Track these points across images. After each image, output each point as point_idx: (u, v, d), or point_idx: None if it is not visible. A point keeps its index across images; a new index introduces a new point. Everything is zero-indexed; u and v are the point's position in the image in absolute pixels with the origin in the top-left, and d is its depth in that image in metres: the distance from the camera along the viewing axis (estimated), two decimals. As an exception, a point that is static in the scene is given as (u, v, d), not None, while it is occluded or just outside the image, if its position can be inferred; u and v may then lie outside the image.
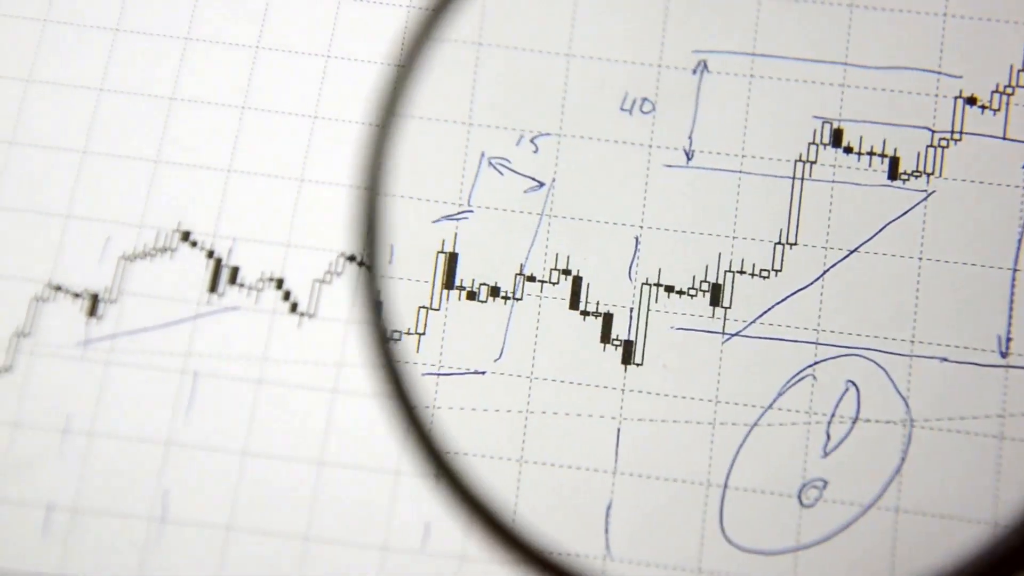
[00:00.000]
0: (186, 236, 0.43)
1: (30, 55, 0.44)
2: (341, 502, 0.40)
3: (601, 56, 0.39)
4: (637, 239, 0.38)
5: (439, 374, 0.39)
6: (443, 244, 0.40)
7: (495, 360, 0.39)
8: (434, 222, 0.40)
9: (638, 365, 0.38)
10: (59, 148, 0.43)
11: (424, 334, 0.40)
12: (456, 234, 0.40)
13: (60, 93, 0.44)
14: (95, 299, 0.42)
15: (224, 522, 0.40)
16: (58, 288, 0.42)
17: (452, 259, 0.40)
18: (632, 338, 0.38)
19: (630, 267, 0.38)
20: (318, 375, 0.41)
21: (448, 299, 0.40)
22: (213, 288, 0.42)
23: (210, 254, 0.43)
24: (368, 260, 0.28)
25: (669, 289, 0.38)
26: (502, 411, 0.39)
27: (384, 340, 0.26)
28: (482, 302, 0.39)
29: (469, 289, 0.40)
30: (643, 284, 0.38)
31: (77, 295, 0.42)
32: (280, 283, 0.42)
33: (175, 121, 0.43)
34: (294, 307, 0.42)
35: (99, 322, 0.42)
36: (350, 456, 0.40)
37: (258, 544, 0.40)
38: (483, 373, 0.39)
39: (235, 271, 0.42)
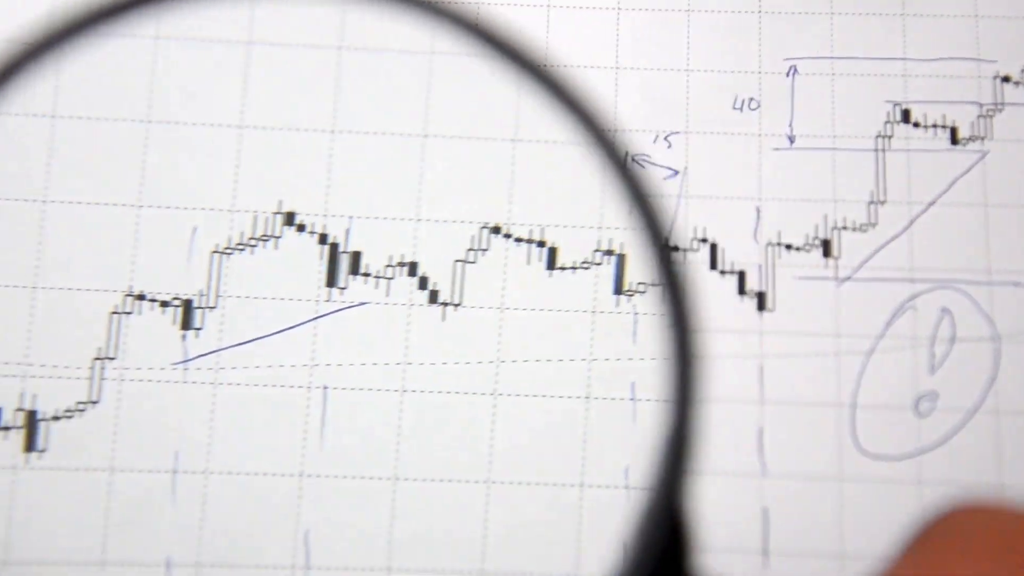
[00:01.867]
0: (290, 219, 0.38)
1: None
2: (522, 528, 0.37)
3: (714, 68, 0.45)
4: (758, 209, 0.44)
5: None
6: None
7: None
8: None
9: (771, 311, 0.42)
10: (121, 119, 0.36)
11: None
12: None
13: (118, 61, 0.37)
14: (188, 307, 0.36)
15: (383, 564, 0.36)
16: (141, 297, 0.36)
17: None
18: (764, 289, 0.43)
19: (755, 232, 0.43)
20: (474, 377, 0.38)
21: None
22: (331, 281, 0.38)
23: (322, 239, 0.38)
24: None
25: (788, 247, 0.43)
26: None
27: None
28: None
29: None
30: (767, 245, 0.43)
31: (165, 304, 0.36)
32: (413, 268, 0.38)
33: (258, 77, 0.38)
34: (434, 296, 0.39)
35: (197, 335, 0.36)
36: (522, 473, 0.38)
37: None
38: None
39: (356, 257, 0.38)
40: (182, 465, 0.35)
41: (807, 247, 0.43)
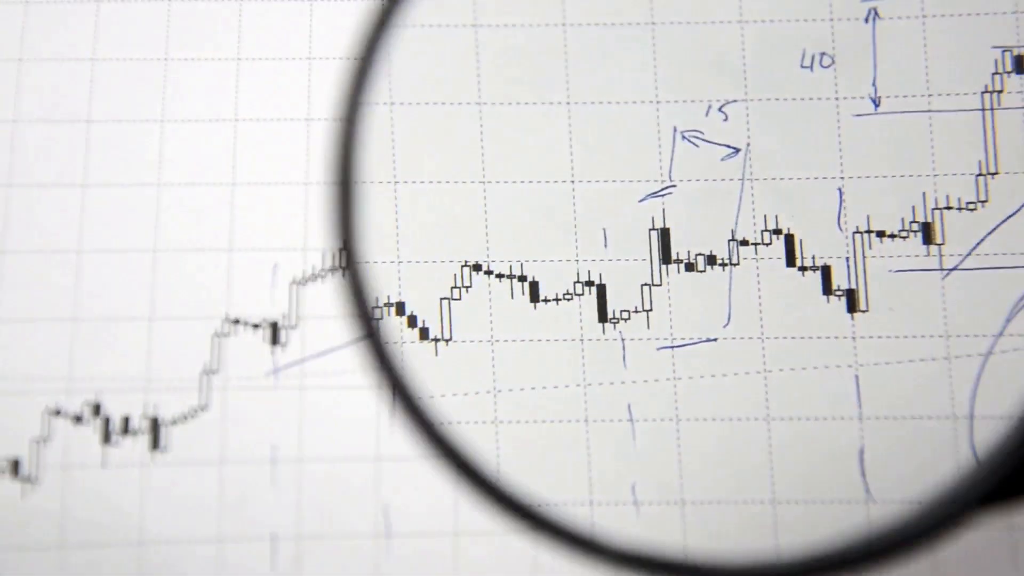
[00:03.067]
0: None
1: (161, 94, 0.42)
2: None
3: (773, 18, 0.40)
4: (840, 190, 0.38)
5: (673, 347, 0.38)
6: (653, 221, 0.39)
7: (724, 326, 0.38)
8: (640, 201, 0.39)
9: (863, 312, 0.38)
10: (211, 183, 0.42)
11: (651, 310, 0.38)
12: (664, 210, 0.39)
13: (196, 129, 0.42)
14: (275, 327, 0.41)
15: (451, 528, 0.40)
16: (236, 322, 0.41)
17: (665, 234, 0.39)
18: (853, 286, 0.38)
19: (838, 218, 0.38)
20: (474, 407, 0.39)
21: (668, 274, 0.38)
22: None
23: None
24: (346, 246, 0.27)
25: (881, 234, 0.38)
26: (740, 374, 0.38)
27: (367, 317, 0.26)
28: (701, 272, 0.38)
29: (686, 261, 0.38)
30: (854, 233, 0.38)
31: (256, 326, 0.41)
32: (401, 307, 0.40)
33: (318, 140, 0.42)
34: (424, 333, 0.40)
35: (284, 349, 0.41)
36: (537, 493, 0.37)
37: (487, 544, 0.39)
38: (715, 340, 0.38)
39: None
40: (279, 455, 0.40)
41: (904, 233, 0.39)
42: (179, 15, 0.42)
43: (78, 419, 0.39)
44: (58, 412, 0.39)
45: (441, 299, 0.40)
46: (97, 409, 0.40)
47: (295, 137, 0.42)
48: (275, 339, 0.41)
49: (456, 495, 0.39)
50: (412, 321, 0.40)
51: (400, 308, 0.40)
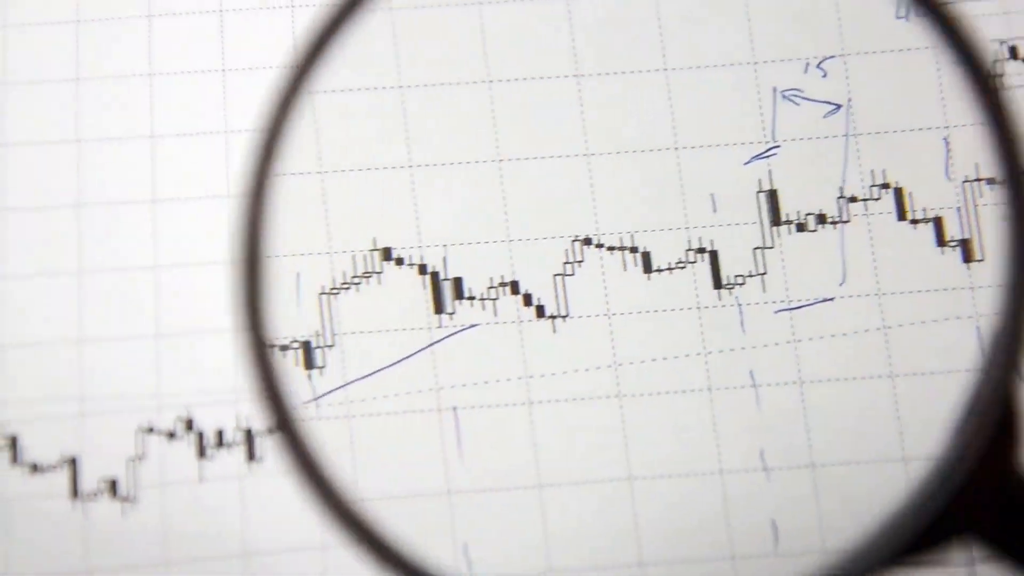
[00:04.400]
0: (387, 254, 0.39)
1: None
2: (670, 518, 0.37)
3: None
4: (945, 140, 0.38)
5: (791, 308, 0.38)
6: (760, 184, 0.38)
7: (839, 285, 0.37)
8: (745, 164, 0.38)
9: (979, 261, 0.37)
10: (213, 194, 0.39)
11: (765, 273, 0.38)
12: (770, 171, 0.38)
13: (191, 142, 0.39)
14: (307, 348, 0.38)
15: (542, 566, 0.37)
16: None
17: (773, 196, 0.38)
18: (967, 236, 0.37)
19: (946, 168, 0.38)
20: (596, 383, 0.38)
21: (779, 235, 0.38)
22: (439, 308, 0.38)
23: (422, 269, 0.38)
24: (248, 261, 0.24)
25: (991, 181, 0.38)
26: (860, 332, 0.37)
27: (261, 346, 0.23)
28: (812, 231, 0.38)
29: (797, 221, 0.38)
30: (963, 182, 0.38)
31: (285, 347, 0.38)
32: (515, 286, 0.38)
33: (331, 124, 0.39)
34: (540, 311, 0.38)
35: (321, 373, 0.38)
36: (661, 466, 0.37)
37: None
38: (831, 299, 0.37)
39: (458, 282, 0.39)
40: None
41: None
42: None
43: (171, 435, 0.37)
44: (151, 430, 0.37)
45: (554, 275, 0.39)
46: (190, 424, 0.38)
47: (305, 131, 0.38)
48: (309, 362, 0.38)
49: (543, 528, 0.37)
50: (527, 300, 0.38)
51: (515, 287, 0.38)
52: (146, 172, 0.39)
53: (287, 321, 0.38)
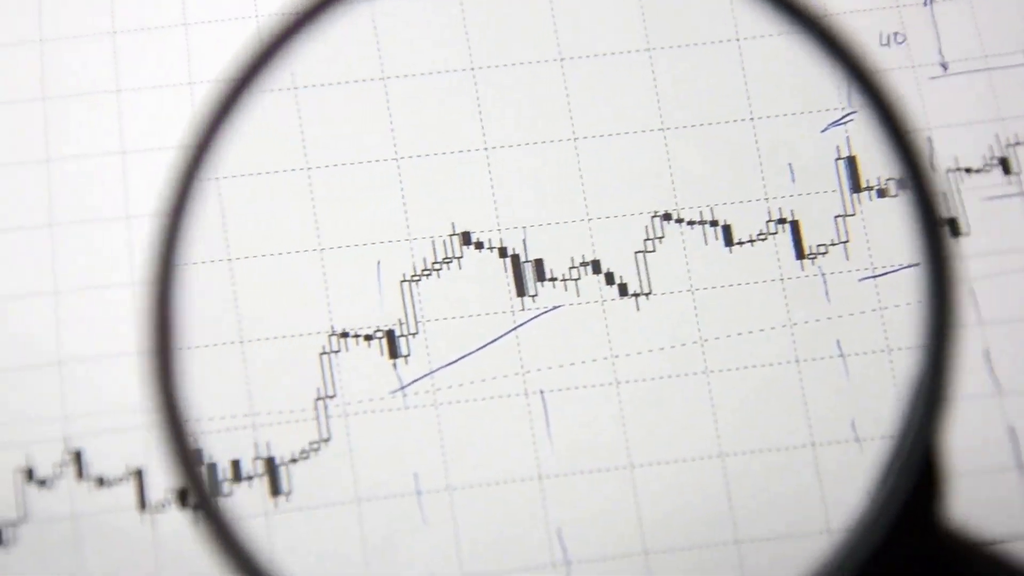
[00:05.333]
0: (467, 238, 0.38)
1: None
2: (764, 494, 0.37)
3: (856, 8, 0.40)
4: (929, 139, 0.39)
5: (875, 276, 0.38)
6: (838, 150, 0.38)
7: None
8: (822, 131, 0.38)
9: (966, 235, 0.38)
10: (282, 171, 0.38)
11: (848, 241, 0.38)
12: (848, 137, 0.38)
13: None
14: (391, 336, 0.37)
15: (638, 548, 0.36)
16: (344, 335, 0.37)
17: (852, 163, 0.38)
18: (954, 215, 0.38)
19: (930, 161, 0.37)
20: (682, 359, 0.38)
21: (860, 202, 0.38)
22: (521, 291, 0.38)
23: (502, 252, 0.38)
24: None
25: (968, 170, 0.39)
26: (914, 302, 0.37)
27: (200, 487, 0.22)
28: (893, 197, 0.38)
29: (878, 187, 0.38)
30: (947, 172, 0.39)
31: (369, 337, 0.37)
32: (597, 265, 0.38)
33: (399, 110, 0.39)
34: (623, 289, 0.38)
35: (407, 362, 0.37)
36: (752, 441, 0.37)
37: (682, 559, 0.36)
38: (916, 265, 0.37)
39: (539, 264, 0.38)
40: (424, 486, 0.37)
41: (986, 168, 0.39)
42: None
43: (235, 441, 0.36)
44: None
45: (635, 253, 0.38)
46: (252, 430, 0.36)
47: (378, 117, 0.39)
48: (394, 351, 0.37)
49: (638, 510, 0.37)
50: (609, 278, 0.38)
51: (596, 266, 0.38)
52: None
53: (370, 310, 0.37)
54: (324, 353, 0.37)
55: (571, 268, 0.38)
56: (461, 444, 0.37)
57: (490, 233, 0.39)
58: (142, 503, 0.36)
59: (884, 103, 0.23)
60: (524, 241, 0.38)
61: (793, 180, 0.38)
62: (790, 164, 0.38)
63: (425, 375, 0.37)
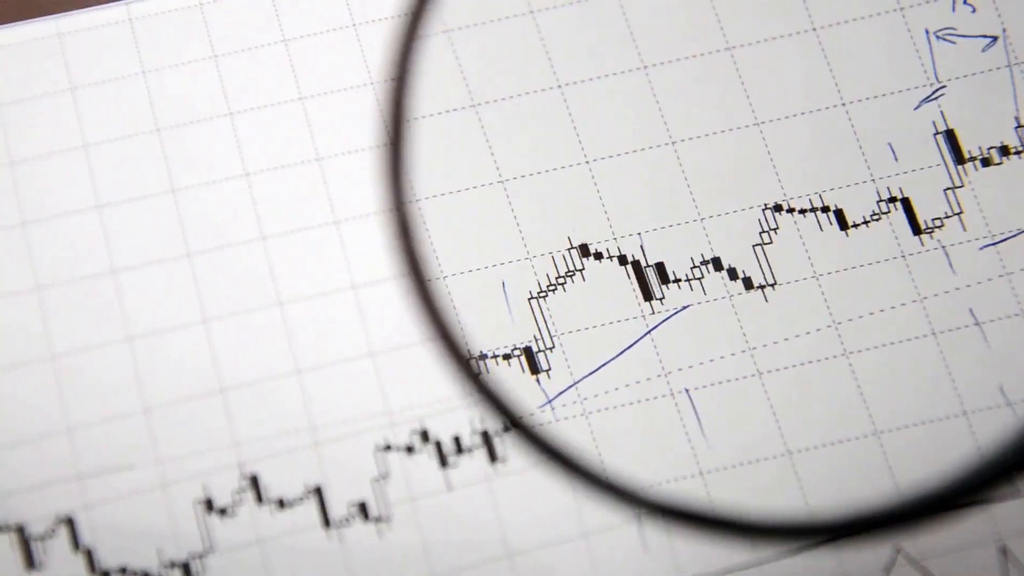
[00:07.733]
0: (585, 250, 0.39)
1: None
2: (926, 469, 0.36)
3: None
4: None
5: (996, 243, 0.38)
6: (935, 125, 0.39)
7: None
8: (915, 109, 0.39)
9: None
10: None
11: (962, 212, 0.38)
12: (942, 112, 0.39)
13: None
14: (529, 353, 0.38)
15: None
16: (483, 357, 0.38)
17: (951, 136, 0.39)
18: None
19: None
20: (819, 344, 0.37)
21: (967, 173, 0.38)
22: (648, 295, 0.38)
23: (622, 260, 0.39)
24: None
25: None
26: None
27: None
28: (998, 164, 0.38)
29: (981, 156, 0.38)
30: None
31: (508, 356, 0.38)
32: (718, 262, 0.38)
33: (505, 131, 0.39)
34: (748, 283, 0.38)
35: (549, 376, 0.38)
36: (904, 417, 0.37)
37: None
38: None
39: (661, 267, 0.39)
40: None
41: None
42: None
43: (410, 450, 0.37)
44: (388, 447, 0.37)
45: (753, 246, 0.38)
46: (425, 435, 0.37)
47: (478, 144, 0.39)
48: (534, 366, 0.38)
49: (803, 497, 0.37)
50: (732, 274, 0.38)
51: (717, 263, 0.38)
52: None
53: (503, 330, 0.38)
54: (468, 373, 0.37)
55: (692, 268, 0.38)
56: (616, 449, 0.37)
57: (607, 243, 0.39)
58: (326, 520, 0.37)
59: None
60: (642, 247, 0.39)
61: (896, 159, 0.39)
62: (890, 144, 0.39)
63: (569, 387, 0.38)
